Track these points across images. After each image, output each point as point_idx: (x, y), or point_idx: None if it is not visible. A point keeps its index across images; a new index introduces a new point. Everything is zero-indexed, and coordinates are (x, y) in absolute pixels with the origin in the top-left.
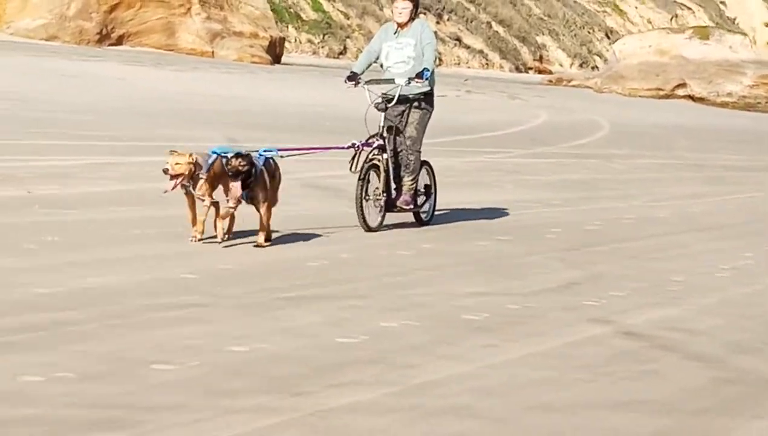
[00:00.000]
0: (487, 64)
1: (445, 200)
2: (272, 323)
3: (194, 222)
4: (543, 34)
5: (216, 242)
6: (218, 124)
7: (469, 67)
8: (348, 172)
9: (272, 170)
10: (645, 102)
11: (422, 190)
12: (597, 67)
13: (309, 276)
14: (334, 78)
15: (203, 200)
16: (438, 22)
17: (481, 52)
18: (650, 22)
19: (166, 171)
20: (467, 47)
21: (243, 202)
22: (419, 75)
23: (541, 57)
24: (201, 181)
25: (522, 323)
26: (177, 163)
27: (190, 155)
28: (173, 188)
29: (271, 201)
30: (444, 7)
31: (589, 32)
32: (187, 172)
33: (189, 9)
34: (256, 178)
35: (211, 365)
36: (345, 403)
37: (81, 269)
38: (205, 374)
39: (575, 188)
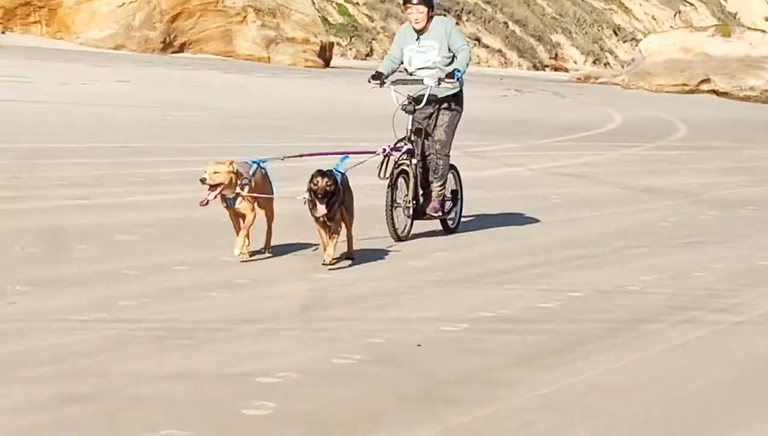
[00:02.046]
0: (505, 62)
1: (664, 183)
2: (694, 260)
3: (238, 234)
4: (557, 32)
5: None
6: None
7: (488, 66)
8: (567, 160)
9: (347, 184)
10: (674, 97)
11: (449, 195)
12: (609, 64)
13: (664, 232)
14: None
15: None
16: (457, 23)
17: (499, 51)
18: (654, 19)
19: (203, 181)
20: (486, 47)
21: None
22: (450, 75)
23: (556, 55)
24: (245, 191)
25: None
26: (216, 172)
27: (230, 163)
28: (213, 199)
29: (351, 218)
30: (462, 9)
31: (598, 30)
32: (227, 182)
33: (245, 17)
34: (341, 198)
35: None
36: None
37: (563, 225)
38: (700, 284)
39: (738, 173)
